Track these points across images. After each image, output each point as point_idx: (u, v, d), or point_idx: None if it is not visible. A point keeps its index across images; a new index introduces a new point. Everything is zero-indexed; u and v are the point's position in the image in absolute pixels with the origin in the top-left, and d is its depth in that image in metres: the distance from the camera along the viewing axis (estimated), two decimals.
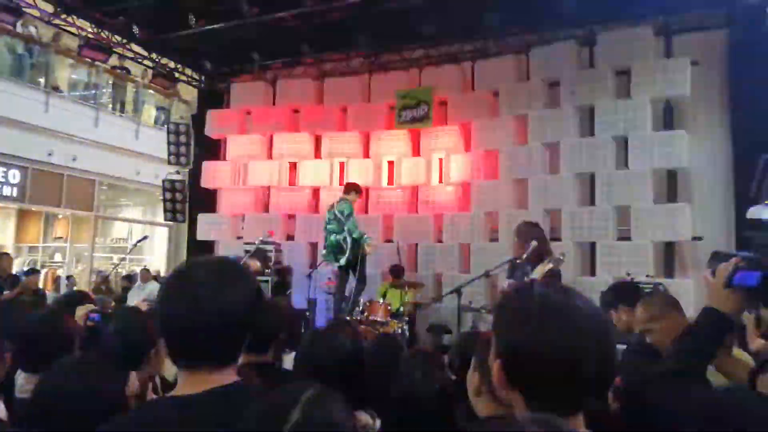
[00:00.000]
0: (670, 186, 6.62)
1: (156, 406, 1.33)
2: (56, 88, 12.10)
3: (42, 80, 12.00)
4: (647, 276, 5.83)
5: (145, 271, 10.33)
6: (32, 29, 11.51)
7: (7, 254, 9.22)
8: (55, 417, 1.46)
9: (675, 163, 6.35)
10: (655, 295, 2.96)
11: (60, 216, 14.10)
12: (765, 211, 5.21)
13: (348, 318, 5.80)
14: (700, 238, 6.16)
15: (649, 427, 1.54)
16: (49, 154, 11.81)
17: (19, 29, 10.99)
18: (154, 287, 9.29)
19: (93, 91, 13.16)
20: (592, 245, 6.66)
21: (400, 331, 5.67)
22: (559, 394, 0.94)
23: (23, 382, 2.06)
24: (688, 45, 6.67)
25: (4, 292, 7.05)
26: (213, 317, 1.20)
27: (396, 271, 6.89)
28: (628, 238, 6.41)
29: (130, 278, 10.15)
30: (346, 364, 1.94)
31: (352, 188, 7.00)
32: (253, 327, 1.29)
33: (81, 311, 2.33)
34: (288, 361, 2.51)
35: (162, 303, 1.26)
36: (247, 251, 6.53)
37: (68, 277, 10.77)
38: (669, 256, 6.49)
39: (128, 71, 10.27)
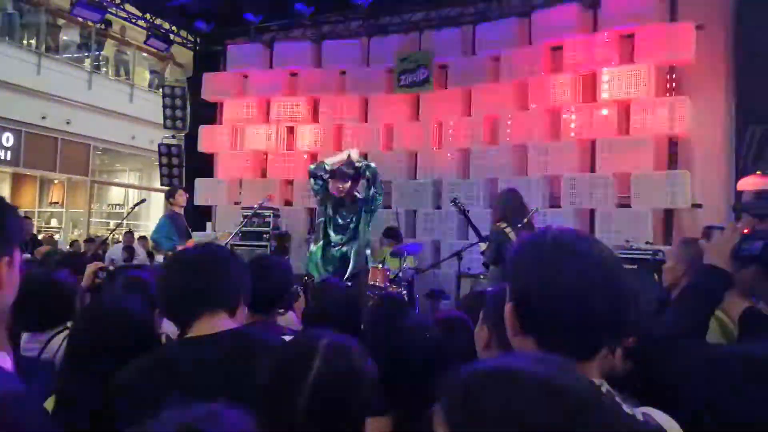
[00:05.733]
0: (671, 153, 6.59)
1: (170, 346, 1.39)
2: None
3: (33, 41, 11.75)
4: (646, 243, 5.84)
5: (129, 234, 10.36)
6: None
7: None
8: (91, 354, 1.49)
9: (677, 129, 6.31)
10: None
11: (55, 181, 13.99)
12: (755, 181, 5.21)
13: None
14: (699, 206, 6.16)
15: (658, 386, 1.56)
16: (43, 118, 11.64)
17: None
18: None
19: (85, 53, 12.89)
20: (592, 212, 6.66)
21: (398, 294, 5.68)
22: (570, 338, 0.93)
23: (27, 340, 2.06)
24: (693, 8, 6.54)
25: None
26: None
27: (391, 234, 6.79)
28: (628, 206, 6.41)
29: (131, 249, 9.77)
30: (342, 313, 1.99)
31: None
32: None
33: (91, 268, 2.32)
34: (281, 321, 2.54)
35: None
36: (245, 216, 6.51)
37: (71, 243, 10.70)
38: (668, 223, 6.50)
39: (109, 24, 9.92)
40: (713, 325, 1.73)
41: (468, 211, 5.39)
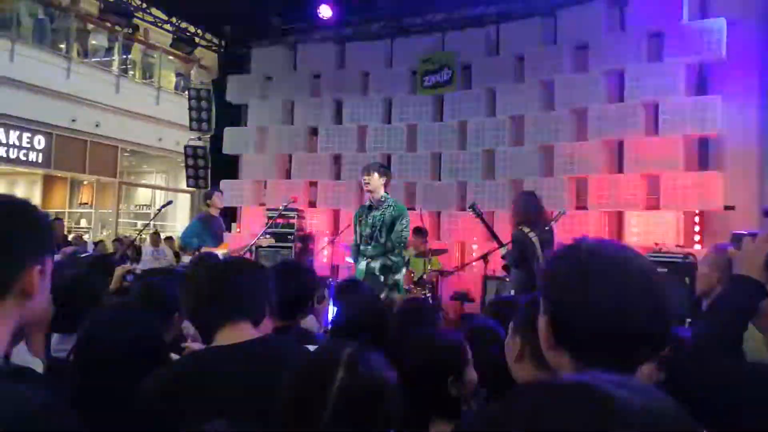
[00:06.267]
0: (702, 153, 6.43)
1: (202, 353, 1.41)
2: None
3: (63, 46, 12.00)
4: (677, 246, 5.71)
5: (155, 235, 10.50)
6: None
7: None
8: (98, 364, 1.50)
9: (708, 129, 6.15)
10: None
11: (85, 182, 14.28)
12: None
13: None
14: (732, 208, 6.00)
15: (690, 398, 1.51)
16: (73, 120, 11.90)
17: None
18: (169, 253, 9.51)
19: (113, 57, 13.14)
20: (620, 214, 6.54)
21: (423, 298, 5.66)
22: (608, 352, 0.89)
23: (57, 341, 2.09)
24: (724, 4, 6.38)
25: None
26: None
27: (420, 231, 6.71)
28: (657, 208, 6.28)
29: (138, 250, 9.76)
30: (367, 320, 1.97)
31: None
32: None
33: (119, 271, 2.36)
34: (302, 324, 2.54)
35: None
36: (270, 217, 6.54)
37: (96, 243, 10.91)
38: (699, 226, 6.34)
39: (137, 28, 10.05)
40: (756, 337, 1.66)
41: (488, 215, 5.30)
